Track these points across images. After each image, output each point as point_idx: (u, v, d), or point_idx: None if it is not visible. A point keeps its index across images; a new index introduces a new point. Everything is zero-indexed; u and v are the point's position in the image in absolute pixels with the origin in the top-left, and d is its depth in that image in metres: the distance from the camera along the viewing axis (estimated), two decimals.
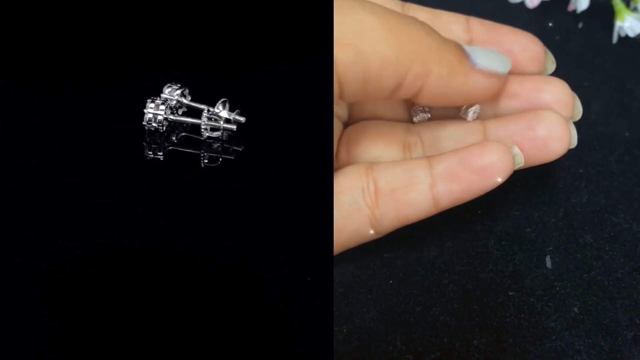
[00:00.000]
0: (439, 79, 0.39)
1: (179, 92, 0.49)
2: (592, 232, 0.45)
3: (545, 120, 0.41)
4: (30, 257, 0.44)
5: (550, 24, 0.53)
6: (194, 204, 0.47)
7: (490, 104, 0.43)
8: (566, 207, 0.46)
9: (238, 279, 0.44)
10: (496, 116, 0.43)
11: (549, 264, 0.44)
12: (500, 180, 0.40)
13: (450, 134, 0.43)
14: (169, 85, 0.50)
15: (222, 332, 0.42)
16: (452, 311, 0.43)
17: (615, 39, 0.52)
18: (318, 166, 0.47)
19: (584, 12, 0.53)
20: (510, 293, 0.44)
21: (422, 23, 0.39)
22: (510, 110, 0.43)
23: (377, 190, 0.41)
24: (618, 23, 0.52)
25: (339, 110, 0.45)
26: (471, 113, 0.43)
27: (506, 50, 0.43)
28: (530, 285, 0.44)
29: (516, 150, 0.41)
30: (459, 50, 0.40)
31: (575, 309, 0.43)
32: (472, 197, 0.41)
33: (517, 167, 0.41)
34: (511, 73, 0.42)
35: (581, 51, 0.52)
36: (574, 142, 0.42)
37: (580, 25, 0.54)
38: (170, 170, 0.48)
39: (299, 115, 0.50)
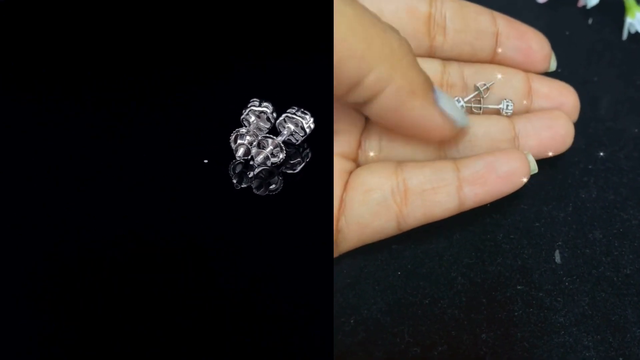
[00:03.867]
0: (398, 93, 0.39)
1: (296, 118, 0.48)
2: (601, 228, 0.45)
3: (561, 120, 0.45)
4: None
5: (590, 21, 0.53)
6: (194, 196, 0.47)
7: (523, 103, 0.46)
8: (575, 203, 0.46)
9: (237, 274, 0.43)
10: (527, 111, 0.46)
11: (558, 259, 0.44)
12: (519, 185, 0.43)
13: (483, 132, 0.45)
14: (296, 109, 0.48)
15: (220, 327, 0.42)
16: (460, 304, 0.43)
17: (625, 35, 0.52)
18: (318, 162, 0.48)
19: (593, 8, 0.53)
20: (519, 287, 0.43)
21: (402, 38, 0.40)
22: (540, 108, 0.46)
23: (407, 190, 0.42)
24: (628, 19, 0.51)
25: None
26: (509, 110, 0.45)
27: (526, 46, 0.46)
28: (538, 279, 0.43)
29: (531, 157, 0.44)
30: (428, 81, 0.40)
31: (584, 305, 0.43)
32: (493, 199, 0.43)
33: (531, 173, 0.44)
34: (528, 68, 0.46)
35: (591, 47, 0.52)
36: None
37: (590, 21, 0.53)
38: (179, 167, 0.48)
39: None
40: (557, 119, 0.45)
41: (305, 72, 0.53)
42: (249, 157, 0.47)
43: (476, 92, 0.45)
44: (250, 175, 0.46)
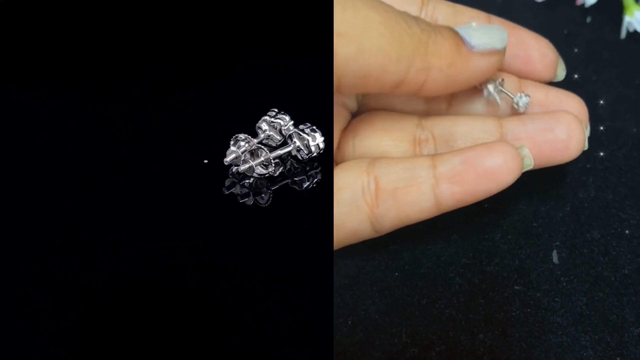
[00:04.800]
0: (439, 72, 0.39)
1: (306, 134, 0.47)
2: (599, 228, 0.45)
3: (564, 122, 0.41)
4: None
5: (588, 20, 0.53)
6: (194, 197, 0.47)
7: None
8: (573, 202, 0.46)
9: (236, 274, 0.44)
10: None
11: (555, 259, 0.44)
12: (507, 183, 0.40)
13: (464, 131, 0.42)
14: (308, 126, 0.47)
15: (220, 327, 0.42)
16: (458, 305, 0.43)
17: (623, 34, 0.52)
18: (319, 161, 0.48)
19: (592, 7, 0.53)
20: (517, 287, 0.43)
21: (415, 18, 0.39)
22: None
23: (378, 189, 0.40)
24: (627, 18, 0.51)
25: (347, 101, 0.44)
26: (521, 104, 0.42)
27: (525, 54, 0.43)
28: (536, 280, 0.43)
29: (526, 151, 0.41)
30: (455, 36, 0.39)
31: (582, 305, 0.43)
32: (476, 200, 0.40)
33: (526, 169, 0.41)
34: (528, 78, 0.44)
35: (589, 46, 0.52)
36: (586, 145, 0.43)
37: (588, 19, 0.53)
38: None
39: (299, 112, 0.50)
40: (559, 121, 0.42)
41: (305, 72, 0.53)
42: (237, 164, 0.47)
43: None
44: (243, 184, 0.46)
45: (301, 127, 0.47)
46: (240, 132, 0.47)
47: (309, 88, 0.52)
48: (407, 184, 0.40)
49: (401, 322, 0.42)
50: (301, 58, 0.55)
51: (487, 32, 0.40)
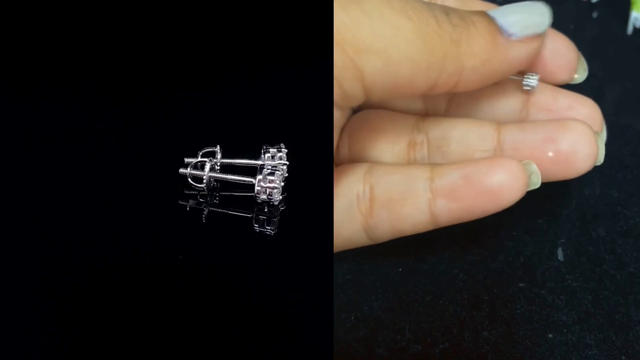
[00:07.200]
0: (473, 71, 0.35)
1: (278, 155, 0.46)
2: (605, 226, 0.45)
3: (571, 132, 0.37)
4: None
5: (595, 15, 0.53)
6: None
7: (519, 114, 0.39)
8: (579, 199, 0.46)
9: (237, 269, 0.43)
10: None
11: (560, 256, 0.44)
12: (508, 203, 0.36)
13: (459, 135, 0.39)
14: (271, 169, 0.45)
15: (220, 323, 0.41)
16: (462, 301, 0.43)
17: (630, 30, 0.52)
18: (318, 165, 0.47)
19: (598, 2, 0.53)
20: (521, 285, 0.43)
21: (447, 9, 0.35)
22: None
23: (373, 199, 0.37)
24: (634, 13, 0.51)
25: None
26: (534, 84, 0.38)
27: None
28: (541, 277, 0.43)
29: (533, 167, 0.37)
30: (490, 26, 0.35)
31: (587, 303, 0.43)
32: (474, 218, 0.37)
33: (532, 187, 0.37)
34: (545, 80, 0.39)
35: (595, 41, 0.52)
36: (600, 159, 0.38)
37: (595, 14, 0.53)
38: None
39: (298, 118, 0.50)
40: (566, 130, 0.37)
41: (304, 74, 0.53)
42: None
43: None
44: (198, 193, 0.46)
45: (268, 165, 0.46)
46: (234, 138, 0.47)
47: (309, 89, 0.52)
48: (403, 196, 0.37)
49: (404, 319, 0.42)
50: (301, 64, 0.54)
51: (525, 16, 0.36)
